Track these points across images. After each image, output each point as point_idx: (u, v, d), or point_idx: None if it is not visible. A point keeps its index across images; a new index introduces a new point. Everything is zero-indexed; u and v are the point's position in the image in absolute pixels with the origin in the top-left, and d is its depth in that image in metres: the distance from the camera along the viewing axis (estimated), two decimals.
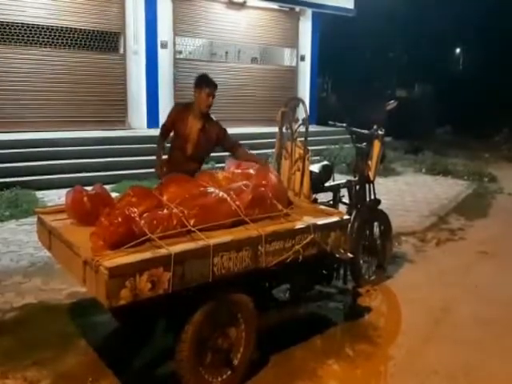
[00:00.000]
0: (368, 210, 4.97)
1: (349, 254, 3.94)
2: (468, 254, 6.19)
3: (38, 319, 4.09)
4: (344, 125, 5.09)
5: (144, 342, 3.76)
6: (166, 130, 4.69)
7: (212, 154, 10.27)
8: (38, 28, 10.39)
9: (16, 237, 6.11)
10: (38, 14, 10.28)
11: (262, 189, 3.46)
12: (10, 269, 5.14)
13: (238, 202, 3.31)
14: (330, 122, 5.24)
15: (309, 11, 14.51)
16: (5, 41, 10.07)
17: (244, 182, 3.57)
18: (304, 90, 14.72)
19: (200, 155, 4.69)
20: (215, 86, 4.52)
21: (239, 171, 3.90)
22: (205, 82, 4.49)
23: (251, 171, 3.87)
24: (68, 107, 10.75)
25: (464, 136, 18.33)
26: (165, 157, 4.78)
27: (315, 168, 4.65)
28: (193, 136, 4.54)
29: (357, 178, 5.03)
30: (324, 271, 4.02)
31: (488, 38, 24.13)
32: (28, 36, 10.30)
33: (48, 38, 10.53)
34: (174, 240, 2.90)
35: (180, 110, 4.62)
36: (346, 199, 5.05)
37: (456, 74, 27.38)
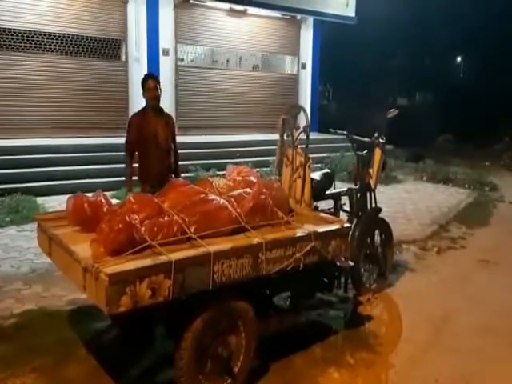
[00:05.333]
0: (369, 218, 4.96)
1: (350, 262, 3.93)
2: (469, 262, 6.17)
3: (38, 326, 4.08)
4: (345, 132, 5.10)
5: (144, 348, 3.75)
6: (131, 146, 4.86)
7: (213, 161, 10.31)
8: (40, 35, 10.44)
9: (16, 243, 6.11)
10: (39, 21, 10.33)
11: (263, 196, 3.46)
12: (10, 275, 5.13)
13: (238, 210, 3.31)
14: (331, 130, 5.25)
15: (310, 19, 14.57)
16: (7, 47, 10.11)
17: (245, 190, 3.58)
18: (305, 98, 14.76)
19: (169, 148, 4.92)
20: (155, 77, 4.84)
21: (240, 178, 3.90)
22: (146, 78, 4.82)
23: (252, 178, 3.87)
24: (69, 114, 10.78)
25: (465, 144, 18.33)
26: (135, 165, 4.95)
27: (316, 176, 4.65)
28: (160, 132, 4.79)
29: (358, 186, 5.03)
30: (325, 279, 4.00)
31: (488, 47, 24.23)
32: (30, 43, 10.35)
33: (50, 44, 10.58)
34: (175, 247, 2.90)
35: (137, 119, 4.86)
36: (347, 207, 5.05)
37: (457, 83, 27.45)
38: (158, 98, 4.79)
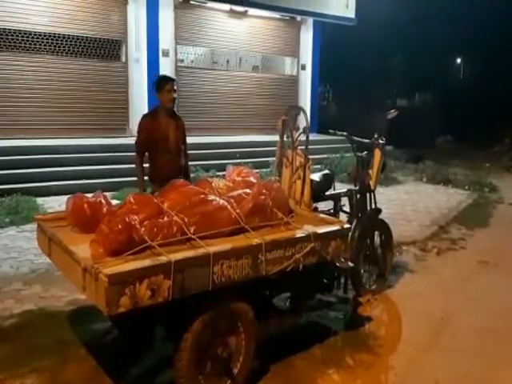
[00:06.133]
0: (369, 219, 4.96)
1: (349, 263, 3.94)
2: (469, 263, 6.17)
3: (38, 326, 4.08)
4: (344, 133, 5.09)
5: (143, 349, 3.75)
6: (142, 147, 4.80)
7: (213, 162, 10.31)
8: (41, 35, 10.44)
9: (16, 243, 6.11)
10: (40, 22, 10.33)
11: (263, 197, 3.46)
12: (9, 275, 5.13)
13: (238, 210, 3.31)
14: (331, 131, 5.24)
15: (310, 20, 14.58)
16: (7, 48, 10.11)
17: (244, 190, 3.57)
18: (305, 99, 14.77)
19: (179, 151, 4.89)
20: (173, 79, 4.78)
21: (240, 179, 3.90)
22: (165, 80, 4.73)
23: (252, 179, 3.87)
24: (69, 114, 10.78)
25: (465, 145, 18.34)
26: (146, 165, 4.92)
27: (316, 177, 4.65)
28: (171, 134, 4.76)
29: (357, 187, 5.03)
30: (324, 280, 4.01)
31: (488, 47, 24.25)
32: (30, 43, 10.35)
33: (50, 45, 10.58)
34: (175, 248, 2.90)
35: (149, 119, 4.78)
36: (346, 208, 5.05)
37: (456, 84, 27.49)
38: (175, 101, 4.77)
